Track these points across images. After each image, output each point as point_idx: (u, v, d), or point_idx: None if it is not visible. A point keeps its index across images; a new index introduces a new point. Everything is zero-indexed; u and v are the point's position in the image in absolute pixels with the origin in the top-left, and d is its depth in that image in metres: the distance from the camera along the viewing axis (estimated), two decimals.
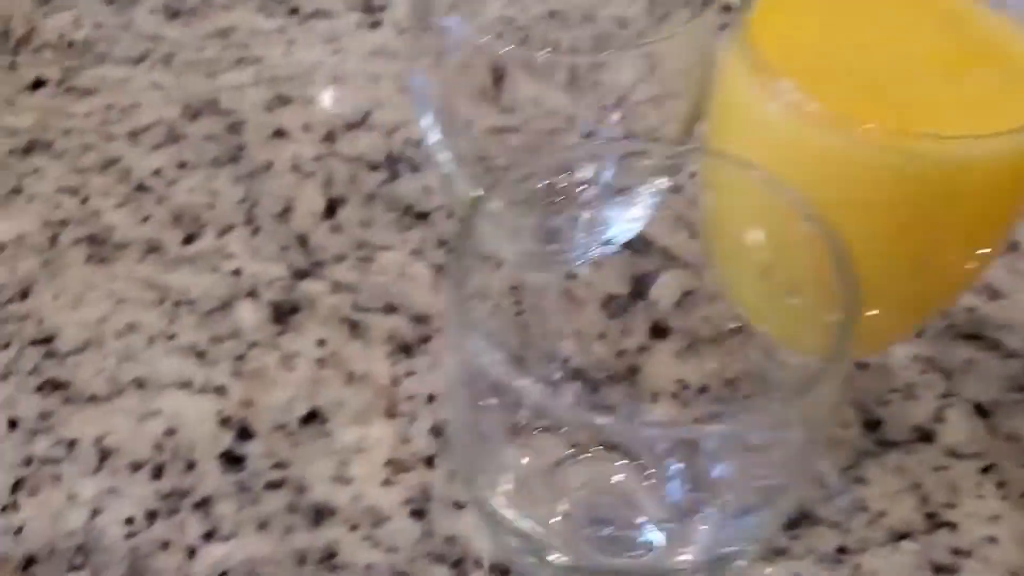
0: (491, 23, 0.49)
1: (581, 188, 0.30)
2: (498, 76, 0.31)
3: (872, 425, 0.46)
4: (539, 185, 0.29)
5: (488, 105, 0.37)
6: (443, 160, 0.35)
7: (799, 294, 0.27)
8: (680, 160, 0.28)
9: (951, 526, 0.43)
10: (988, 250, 0.32)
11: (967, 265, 0.33)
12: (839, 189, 0.28)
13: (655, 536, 0.31)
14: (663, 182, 0.30)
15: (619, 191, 0.31)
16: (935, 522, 0.43)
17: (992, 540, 0.43)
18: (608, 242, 0.33)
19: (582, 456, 0.32)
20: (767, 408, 0.22)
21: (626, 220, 0.32)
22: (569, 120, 0.32)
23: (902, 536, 0.43)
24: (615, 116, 0.31)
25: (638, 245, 0.35)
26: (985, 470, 0.45)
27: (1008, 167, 0.29)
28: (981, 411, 0.47)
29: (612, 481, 0.32)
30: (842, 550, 0.42)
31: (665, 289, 0.40)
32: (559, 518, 0.31)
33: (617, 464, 0.33)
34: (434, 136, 0.35)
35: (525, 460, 0.29)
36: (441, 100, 0.35)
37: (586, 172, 0.30)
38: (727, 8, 0.35)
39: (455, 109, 0.35)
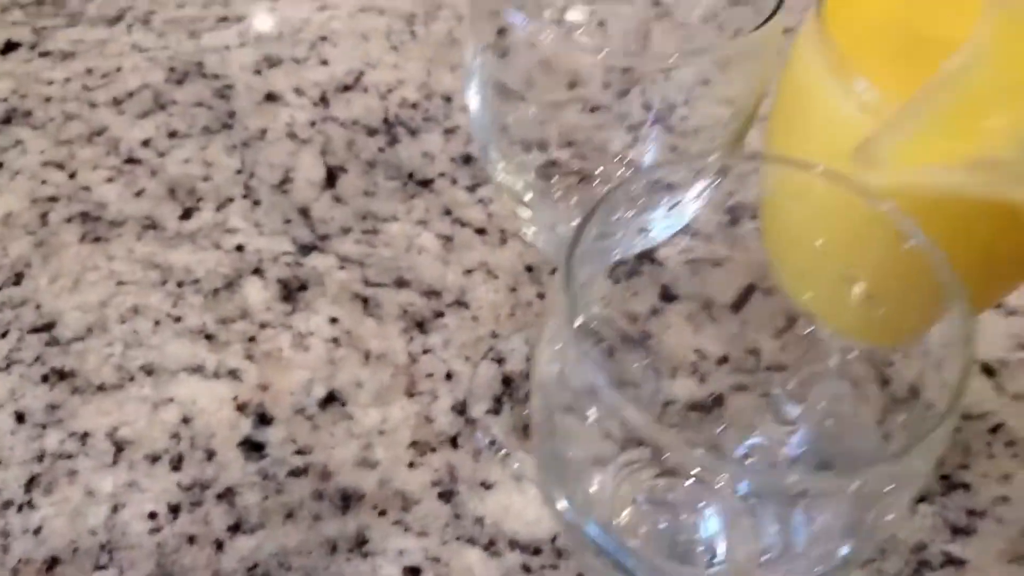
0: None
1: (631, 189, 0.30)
2: (569, 80, 0.30)
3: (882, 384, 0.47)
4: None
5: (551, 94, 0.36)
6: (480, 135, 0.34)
7: (885, 304, 0.27)
8: (736, 166, 0.28)
9: (965, 487, 0.44)
10: None
11: None
12: (914, 201, 0.27)
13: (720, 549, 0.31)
14: (710, 184, 0.30)
15: (665, 191, 0.30)
16: (950, 483, 0.44)
17: (1005, 500, 0.44)
18: (648, 236, 0.33)
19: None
20: (876, 467, 0.22)
21: (667, 220, 0.32)
22: (620, 118, 0.32)
23: (920, 500, 0.44)
24: (668, 122, 0.30)
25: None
26: (994, 430, 0.46)
27: None
28: (988, 370, 0.48)
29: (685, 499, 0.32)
30: None
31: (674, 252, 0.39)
32: (625, 521, 0.31)
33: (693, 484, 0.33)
34: (475, 108, 0.34)
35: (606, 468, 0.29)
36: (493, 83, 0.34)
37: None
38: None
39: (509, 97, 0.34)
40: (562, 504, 0.26)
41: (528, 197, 0.35)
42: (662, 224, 0.33)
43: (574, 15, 0.39)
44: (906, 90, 0.26)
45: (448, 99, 0.57)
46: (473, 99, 0.33)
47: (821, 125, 0.28)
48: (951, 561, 0.42)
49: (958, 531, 0.43)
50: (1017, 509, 0.44)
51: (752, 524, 0.31)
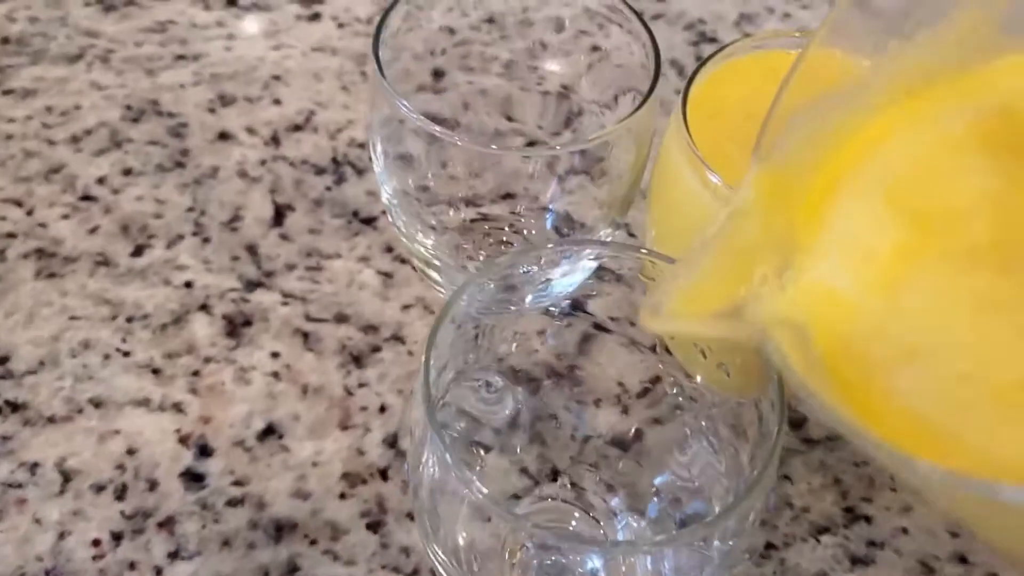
0: (433, 34, 0.51)
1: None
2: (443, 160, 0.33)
3: (797, 424, 0.50)
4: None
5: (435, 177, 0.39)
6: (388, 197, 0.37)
7: (733, 369, 0.29)
8: (616, 251, 0.30)
9: (867, 519, 0.47)
10: None
11: None
12: None
13: None
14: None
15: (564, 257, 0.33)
16: (853, 515, 0.47)
17: (904, 531, 0.47)
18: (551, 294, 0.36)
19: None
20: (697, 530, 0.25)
21: (566, 279, 0.35)
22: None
23: (823, 530, 0.46)
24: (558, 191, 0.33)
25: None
26: None
27: None
28: None
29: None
30: (769, 546, 0.46)
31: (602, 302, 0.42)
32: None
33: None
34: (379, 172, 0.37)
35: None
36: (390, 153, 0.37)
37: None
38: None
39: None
40: (435, 552, 0.29)
41: (434, 258, 0.38)
42: (563, 281, 0.36)
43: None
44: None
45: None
46: (377, 166, 0.36)
47: (684, 207, 0.31)
48: None
49: (857, 561, 0.46)
50: (915, 540, 0.46)
51: (629, 564, 0.33)
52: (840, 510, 0.47)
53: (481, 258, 0.39)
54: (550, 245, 0.30)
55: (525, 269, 0.32)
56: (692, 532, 0.26)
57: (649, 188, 0.33)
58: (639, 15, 0.39)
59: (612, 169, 0.33)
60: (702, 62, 0.32)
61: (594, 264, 0.33)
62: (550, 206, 0.37)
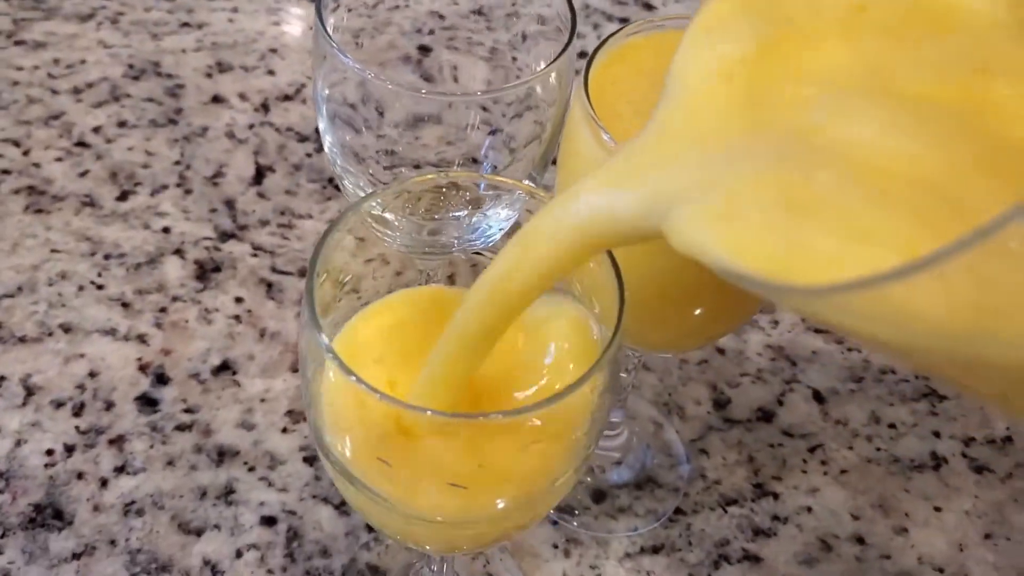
0: (423, 17, 0.54)
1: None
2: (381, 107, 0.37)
3: (721, 404, 0.53)
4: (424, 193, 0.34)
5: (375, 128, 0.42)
6: (334, 159, 0.40)
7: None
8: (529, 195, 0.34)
9: (775, 496, 0.50)
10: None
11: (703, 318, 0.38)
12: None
13: None
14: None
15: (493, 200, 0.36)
16: (762, 491, 0.50)
17: (808, 510, 0.49)
18: (484, 236, 0.39)
19: None
20: None
21: (500, 220, 0.38)
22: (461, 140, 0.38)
23: (731, 502, 0.49)
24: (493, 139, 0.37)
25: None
26: (812, 449, 0.51)
27: None
28: (818, 397, 0.53)
29: None
30: (678, 511, 0.49)
31: None
32: None
33: None
34: (328, 139, 0.40)
35: None
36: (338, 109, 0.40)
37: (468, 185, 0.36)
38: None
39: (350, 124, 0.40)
40: None
41: (386, 215, 0.41)
42: (490, 224, 0.39)
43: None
44: None
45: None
46: (324, 130, 0.40)
47: (581, 166, 0.34)
48: (748, 557, 0.47)
49: (759, 533, 0.48)
50: (818, 519, 0.49)
51: None
52: (750, 485, 0.50)
53: (421, 212, 0.43)
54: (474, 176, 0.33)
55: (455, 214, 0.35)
56: None
57: (559, 152, 0.37)
58: None
59: (535, 121, 0.36)
60: (601, 43, 0.36)
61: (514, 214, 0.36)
62: (484, 162, 0.40)
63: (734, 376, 0.54)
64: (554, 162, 0.39)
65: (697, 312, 0.37)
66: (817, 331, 0.56)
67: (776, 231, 0.21)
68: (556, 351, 0.32)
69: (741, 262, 0.21)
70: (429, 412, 0.28)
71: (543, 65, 0.50)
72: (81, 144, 0.59)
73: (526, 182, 0.38)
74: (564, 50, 0.36)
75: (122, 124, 0.61)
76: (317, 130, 0.62)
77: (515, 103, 0.39)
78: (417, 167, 0.45)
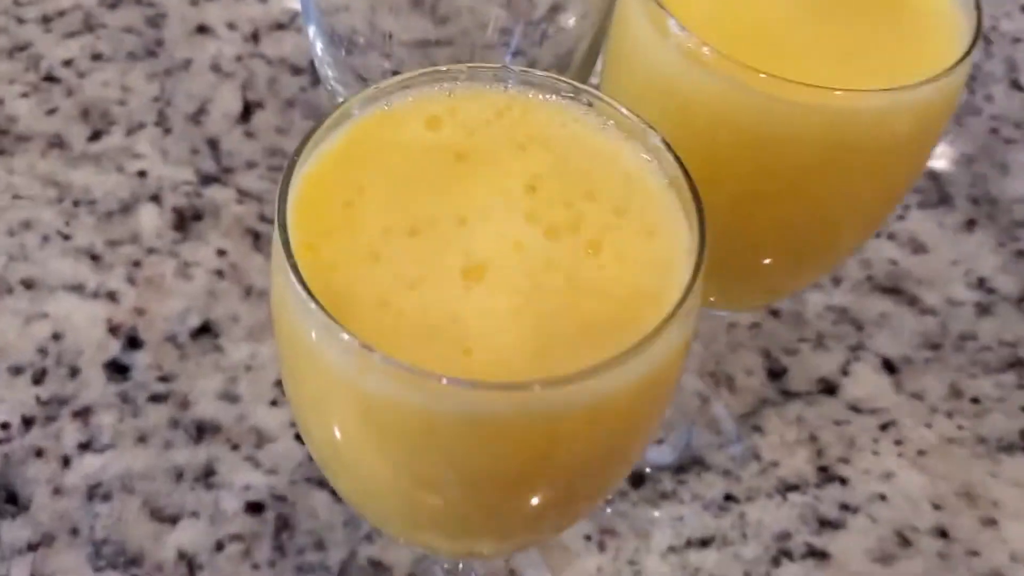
0: None
1: None
2: None
3: (777, 374, 0.46)
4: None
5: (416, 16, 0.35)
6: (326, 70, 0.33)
7: None
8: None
9: (842, 481, 0.43)
10: (876, 211, 0.31)
11: (855, 224, 0.31)
12: (727, 138, 0.26)
13: None
14: None
15: None
16: (827, 476, 0.43)
17: (882, 497, 0.42)
18: None
19: None
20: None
21: None
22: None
23: (791, 488, 0.42)
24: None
25: None
26: (884, 427, 0.45)
27: (901, 122, 0.27)
28: (889, 366, 0.46)
29: None
30: (729, 497, 0.42)
31: None
32: None
33: None
34: (319, 47, 0.33)
35: None
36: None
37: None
38: None
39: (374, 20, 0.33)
40: None
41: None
42: None
43: None
44: (711, 36, 0.25)
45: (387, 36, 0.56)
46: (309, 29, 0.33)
47: (639, 63, 0.27)
48: (813, 553, 0.41)
49: (826, 524, 0.42)
50: (893, 508, 0.42)
51: None
52: (814, 468, 0.43)
53: None
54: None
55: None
56: None
57: (604, 48, 0.30)
58: None
59: (572, 18, 0.29)
60: None
61: None
62: (509, 53, 0.34)
63: (791, 342, 0.47)
64: None
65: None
66: (886, 290, 0.49)
67: None
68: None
69: None
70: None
71: None
72: (50, 79, 0.52)
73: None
74: None
75: (96, 57, 0.54)
76: (314, 63, 0.55)
77: None
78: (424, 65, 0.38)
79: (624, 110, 0.25)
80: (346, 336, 0.21)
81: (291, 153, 0.25)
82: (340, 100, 0.35)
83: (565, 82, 0.26)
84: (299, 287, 0.22)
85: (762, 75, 0.25)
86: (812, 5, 0.29)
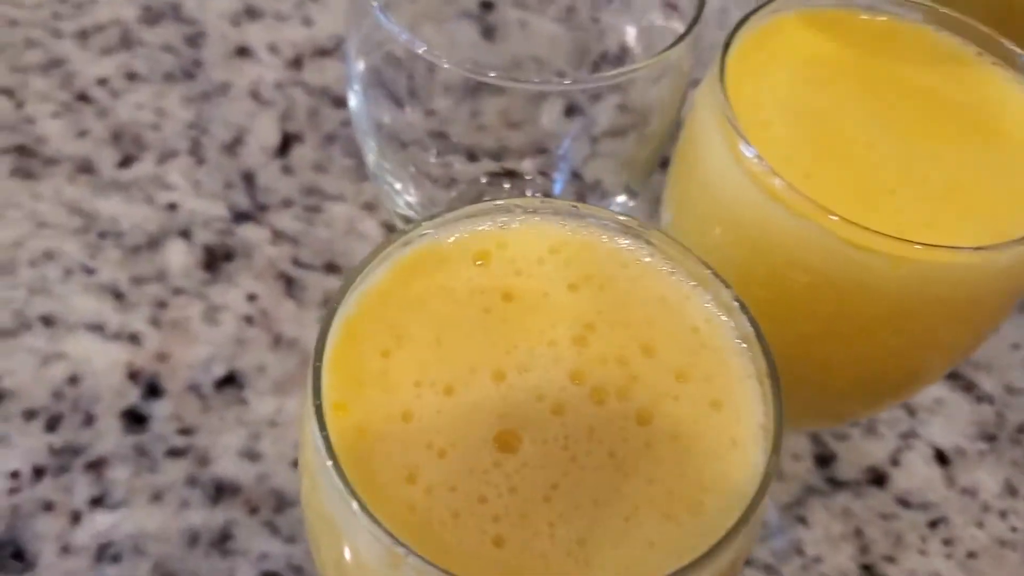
0: None
1: None
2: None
3: (824, 460, 0.44)
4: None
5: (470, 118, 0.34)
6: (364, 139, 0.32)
7: None
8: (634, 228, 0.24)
9: None
10: (958, 354, 0.29)
11: (934, 366, 0.29)
12: (798, 277, 0.24)
13: None
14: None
15: None
16: (871, 574, 0.41)
17: None
18: None
19: None
20: None
21: None
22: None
23: None
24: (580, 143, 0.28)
25: None
26: (933, 524, 0.42)
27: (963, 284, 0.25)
28: (941, 458, 0.44)
29: None
30: None
31: None
32: None
33: None
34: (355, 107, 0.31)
35: None
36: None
37: None
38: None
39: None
40: None
41: (408, 197, 0.32)
42: None
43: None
44: (791, 165, 0.23)
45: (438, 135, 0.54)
46: (353, 98, 0.31)
47: (709, 184, 0.25)
48: None
49: None
50: None
51: None
52: (857, 566, 0.41)
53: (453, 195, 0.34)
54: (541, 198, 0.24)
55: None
56: None
57: (672, 162, 0.27)
58: None
59: (637, 118, 0.27)
60: (745, 16, 0.26)
61: None
62: (564, 163, 0.31)
63: (841, 426, 0.45)
64: (663, 166, 0.30)
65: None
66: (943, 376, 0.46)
67: None
68: None
69: None
70: None
71: (633, 31, 0.41)
72: (82, 98, 0.51)
73: (621, 197, 0.29)
74: (690, 29, 0.26)
75: (131, 76, 0.52)
76: None
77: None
78: (472, 158, 0.36)
79: (694, 257, 0.23)
80: (379, 531, 0.18)
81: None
82: (386, 189, 0.33)
83: (628, 218, 0.23)
84: (336, 477, 0.19)
85: (833, 217, 0.23)
86: (904, 132, 0.27)
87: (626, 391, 0.22)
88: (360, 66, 0.31)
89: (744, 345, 0.22)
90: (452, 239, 0.23)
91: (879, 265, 0.23)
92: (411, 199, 0.33)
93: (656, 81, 0.27)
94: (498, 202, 0.24)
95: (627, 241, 0.23)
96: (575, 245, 0.23)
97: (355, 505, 0.19)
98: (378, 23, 0.28)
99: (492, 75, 0.28)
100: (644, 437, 0.21)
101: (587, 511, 0.20)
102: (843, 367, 0.27)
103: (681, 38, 0.26)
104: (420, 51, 0.27)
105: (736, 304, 0.22)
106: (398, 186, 0.32)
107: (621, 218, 0.23)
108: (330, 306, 0.22)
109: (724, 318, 0.22)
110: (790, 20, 0.27)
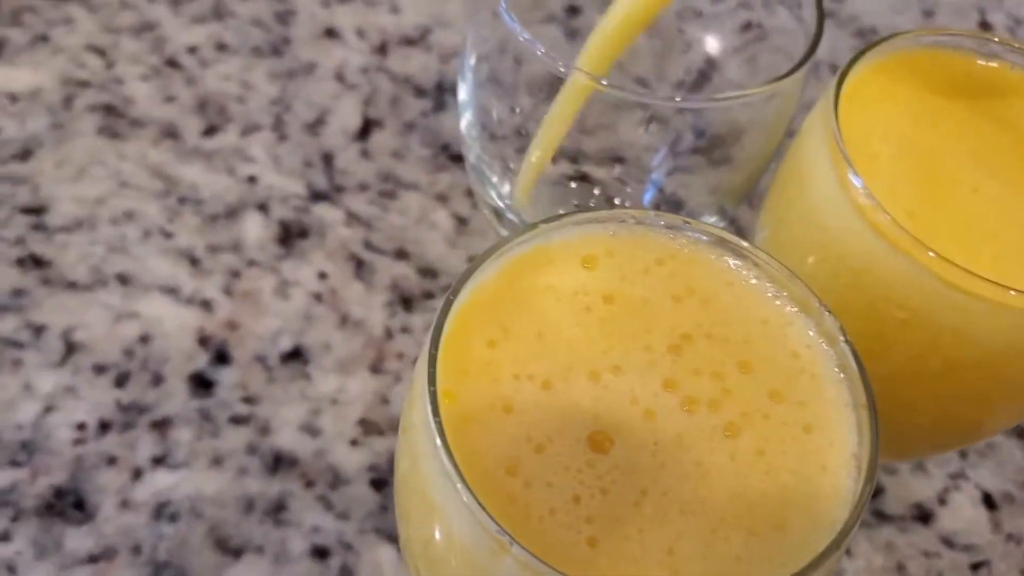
0: None
1: None
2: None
3: (873, 493, 0.44)
4: None
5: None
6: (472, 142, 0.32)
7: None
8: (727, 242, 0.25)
9: None
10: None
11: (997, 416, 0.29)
12: (888, 308, 0.24)
13: None
14: None
15: None
16: None
17: None
18: None
19: None
20: None
21: None
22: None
23: None
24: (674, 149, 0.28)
25: None
26: (976, 567, 0.42)
27: None
28: (989, 502, 0.44)
29: None
30: None
31: None
32: None
33: None
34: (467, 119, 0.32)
35: None
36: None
37: None
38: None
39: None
40: None
41: (506, 210, 0.33)
42: None
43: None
44: (895, 201, 0.23)
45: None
46: (463, 89, 0.31)
47: (810, 210, 0.25)
48: None
49: None
50: None
51: None
52: None
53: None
54: (650, 213, 0.24)
55: None
56: None
57: (771, 182, 0.28)
58: None
59: (737, 147, 0.27)
60: (863, 49, 0.27)
61: None
62: (653, 175, 0.32)
63: (900, 461, 0.45)
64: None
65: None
66: None
67: None
68: None
69: None
70: None
71: (716, 43, 0.41)
72: (172, 64, 0.52)
73: (713, 219, 0.29)
74: (806, 58, 0.27)
75: (221, 47, 0.53)
76: (439, 86, 0.53)
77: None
78: (574, 160, 0.37)
79: (801, 283, 0.23)
80: (487, 518, 0.19)
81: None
82: (483, 179, 0.34)
83: (737, 239, 0.24)
84: (447, 462, 0.20)
85: (936, 257, 0.23)
86: (1009, 179, 0.27)
87: (717, 404, 0.22)
88: (473, 59, 0.32)
89: (843, 375, 0.22)
90: (562, 241, 0.24)
91: (977, 309, 0.24)
92: (505, 191, 0.34)
93: (765, 104, 0.27)
94: (610, 210, 0.24)
95: (735, 261, 0.24)
96: (682, 259, 0.24)
97: (464, 492, 0.19)
98: (499, 20, 0.29)
99: (623, 90, 0.28)
100: (730, 450, 0.22)
101: (675, 520, 0.20)
102: (925, 406, 0.27)
103: (798, 67, 0.26)
104: (539, 52, 0.28)
105: (840, 334, 0.22)
106: (494, 179, 0.33)
107: (729, 238, 0.24)
108: (447, 297, 0.23)
109: (825, 347, 0.23)
110: (906, 57, 0.27)
